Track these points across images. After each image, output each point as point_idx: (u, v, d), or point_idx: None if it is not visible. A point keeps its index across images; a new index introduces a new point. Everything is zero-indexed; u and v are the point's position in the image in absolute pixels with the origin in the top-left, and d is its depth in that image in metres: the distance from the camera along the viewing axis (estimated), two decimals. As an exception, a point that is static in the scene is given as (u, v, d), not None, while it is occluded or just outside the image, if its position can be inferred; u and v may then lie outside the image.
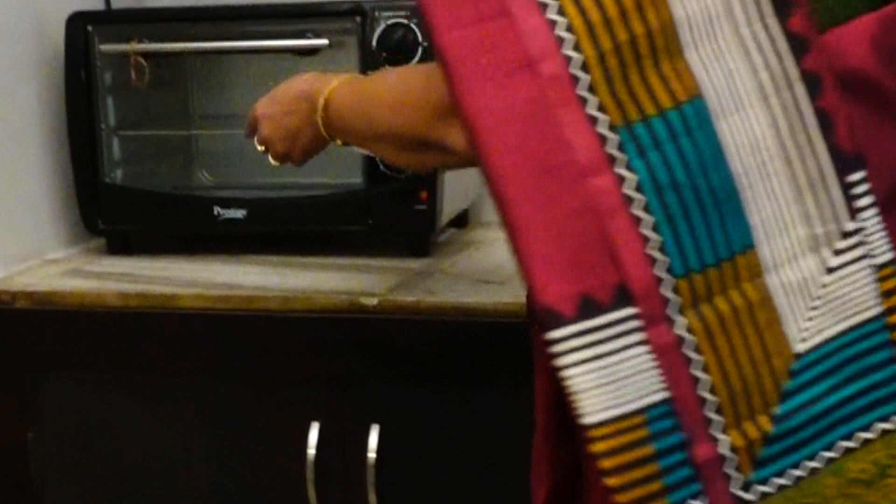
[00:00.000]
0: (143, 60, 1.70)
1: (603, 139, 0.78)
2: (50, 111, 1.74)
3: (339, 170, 1.73)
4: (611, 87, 0.78)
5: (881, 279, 0.82)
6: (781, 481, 0.81)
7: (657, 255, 0.78)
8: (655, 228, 0.78)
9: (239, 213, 1.70)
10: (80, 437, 1.57)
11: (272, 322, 1.49)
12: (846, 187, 0.80)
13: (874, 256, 0.82)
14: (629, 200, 0.78)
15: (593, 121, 0.78)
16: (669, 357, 0.79)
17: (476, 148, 0.80)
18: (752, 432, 0.80)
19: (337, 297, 1.46)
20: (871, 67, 0.84)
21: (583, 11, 0.78)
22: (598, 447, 0.79)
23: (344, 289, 1.49)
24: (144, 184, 1.80)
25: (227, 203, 1.71)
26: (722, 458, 0.80)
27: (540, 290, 0.79)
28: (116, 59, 1.74)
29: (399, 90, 1.02)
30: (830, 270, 0.81)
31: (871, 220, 0.82)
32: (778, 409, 0.81)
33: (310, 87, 1.16)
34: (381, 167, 1.62)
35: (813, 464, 0.81)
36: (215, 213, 1.70)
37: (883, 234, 0.82)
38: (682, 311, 0.79)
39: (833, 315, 0.81)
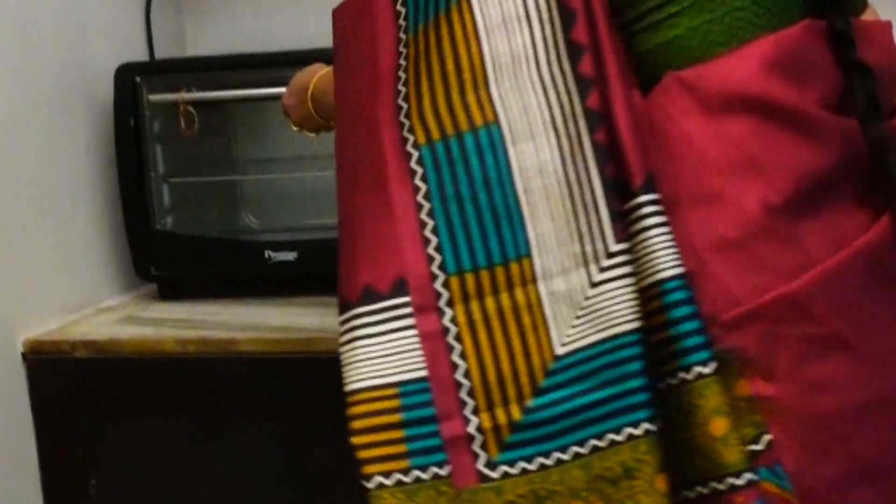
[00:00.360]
0: (192, 109, 1.73)
1: (408, 155, 0.92)
2: (100, 161, 1.77)
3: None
4: (420, 110, 0.92)
5: (655, 296, 0.88)
6: (526, 466, 0.88)
7: (434, 254, 0.91)
8: (435, 232, 0.91)
9: (290, 256, 1.72)
10: (143, 483, 1.58)
11: (330, 364, 1.48)
12: (617, 213, 0.88)
13: (654, 273, 0.88)
14: (418, 207, 0.91)
15: (404, 140, 0.93)
16: (433, 342, 0.90)
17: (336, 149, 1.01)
18: (502, 418, 0.88)
19: (393, 337, 1.47)
20: (758, 85, 0.90)
21: (416, 54, 0.94)
22: (352, 411, 0.92)
23: (400, 328, 1.50)
24: (194, 230, 1.82)
25: (277, 246, 1.73)
26: (470, 437, 0.89)
27: (340, 283, 0.95)
28: (164, 109, 1.77)
29: None
30: (594, 285, 0.88)
31: (654, 239, 0.88)
32: (531, 402, 0.88)
33: (306, 79, 1.35)
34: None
35: (562, 455, 0.87)
36: (266, 256, 1.73)
37: (668, 251, 0.88)
38: (451, 304, 0.90)
39: (594, 324, 0.87)
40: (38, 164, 1.62)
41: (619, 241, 0.87)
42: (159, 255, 1.75)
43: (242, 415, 1.54)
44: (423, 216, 0.91)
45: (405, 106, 0.94)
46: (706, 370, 0.87)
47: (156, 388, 1.55)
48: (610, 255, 0.87)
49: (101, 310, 1.75)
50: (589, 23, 0.90)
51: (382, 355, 0.92)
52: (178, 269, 1.77)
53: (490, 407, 0.89)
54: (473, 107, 0.91)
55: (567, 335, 0.88)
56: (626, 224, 0.88)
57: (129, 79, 1.72)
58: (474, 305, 0.90)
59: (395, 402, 0.91)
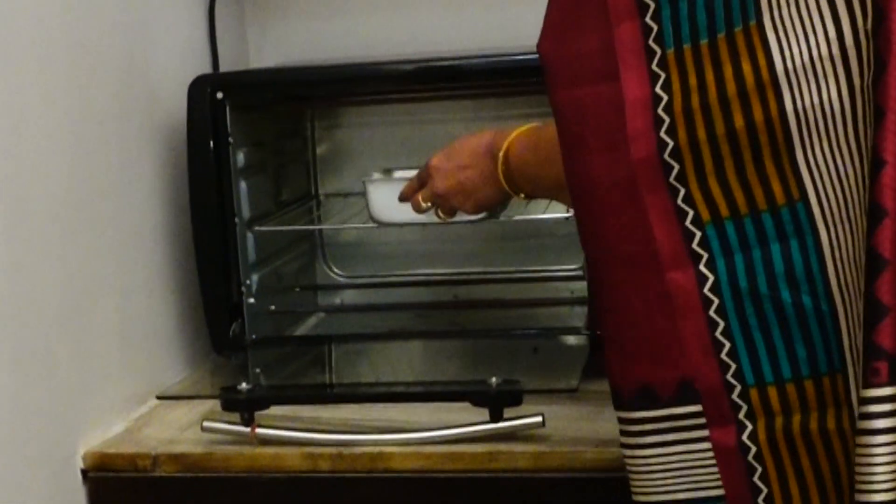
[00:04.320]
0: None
1: (688, 234, 0.79)
2: (167, 200, 1.34)
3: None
4: (701, 179, 0.78)
5: None
6: None
7: (728, 360, 0.79)
8: (728, 334, 0.79)
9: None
10: None
11: (515, 484, 1.10)
12: None
13: None
14: (706, 302, 0.79)
15: (680, 213, 0.79)
16: (730, 459, 0.81)
17: (576, 215, 0.86)
18: None
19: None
20: None
21: (686, 93, 0.77)
22: None
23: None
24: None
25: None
26: None
27: (608, 369, 0.84)
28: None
29: None
30: None
31: None
32: None
33: (489, 141, 1.14)
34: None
35: None
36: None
37: None
38: (751, 418, 0.80)
39: None
40: (95, 194, 1.20)
41: None
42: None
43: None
44: (712, 314, 0.79)
45: (676, 165, 0.78)
46: None
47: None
48: None
49: (168, 401, 1.31)
50: None
51: (671, 469, 0.82)
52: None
53: None
54: (773, 179, 0.77)
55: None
56: None
57: (208, 95, 1.30)
58: (778, 423, 0.79)
59: None
